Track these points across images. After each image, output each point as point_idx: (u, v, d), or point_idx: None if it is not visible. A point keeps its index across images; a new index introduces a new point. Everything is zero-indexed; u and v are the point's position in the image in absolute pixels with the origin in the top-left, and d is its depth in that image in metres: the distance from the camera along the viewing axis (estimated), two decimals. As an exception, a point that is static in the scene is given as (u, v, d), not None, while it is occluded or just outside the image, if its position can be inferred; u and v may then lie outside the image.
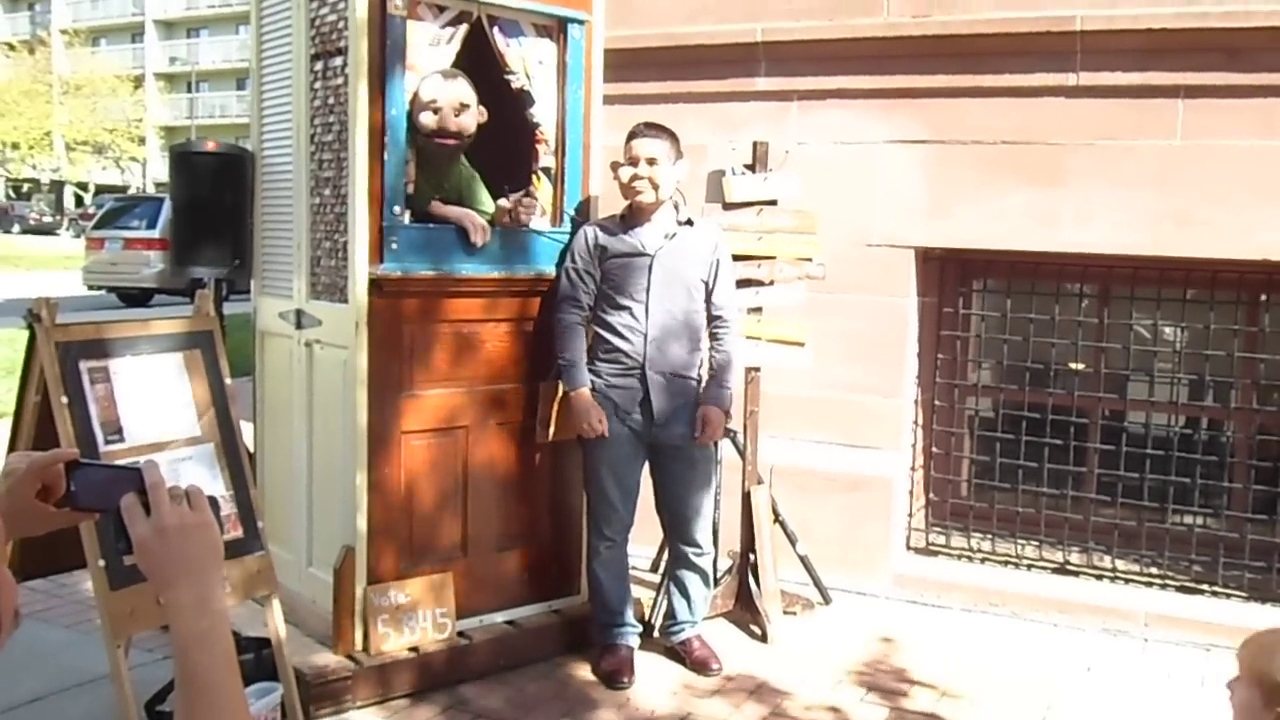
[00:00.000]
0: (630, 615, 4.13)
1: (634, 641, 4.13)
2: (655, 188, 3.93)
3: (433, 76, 3.84)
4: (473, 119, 3.91)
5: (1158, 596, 4.75)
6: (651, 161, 3.91)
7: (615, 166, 4.01)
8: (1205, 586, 4.77)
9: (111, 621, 2.92)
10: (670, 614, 4.25)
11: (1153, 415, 5.07)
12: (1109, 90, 4.63)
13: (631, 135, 3.98)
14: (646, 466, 4.13)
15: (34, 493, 1.44)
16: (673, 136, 4.00)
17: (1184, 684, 4.12)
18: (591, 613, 4.17)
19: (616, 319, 3.96)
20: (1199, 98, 4.51)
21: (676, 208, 4.06)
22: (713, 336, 4.11)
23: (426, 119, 3.83)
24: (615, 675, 3.97)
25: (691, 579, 4.20)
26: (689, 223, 4.05)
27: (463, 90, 3.87)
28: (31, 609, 4.41)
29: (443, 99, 3.82)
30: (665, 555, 4.58)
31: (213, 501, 1.36)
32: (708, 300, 4.07)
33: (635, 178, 3.92)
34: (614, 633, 4.08)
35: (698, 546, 4.15)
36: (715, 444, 4.27)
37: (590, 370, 3.98)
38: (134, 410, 3.12)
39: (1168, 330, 5.03)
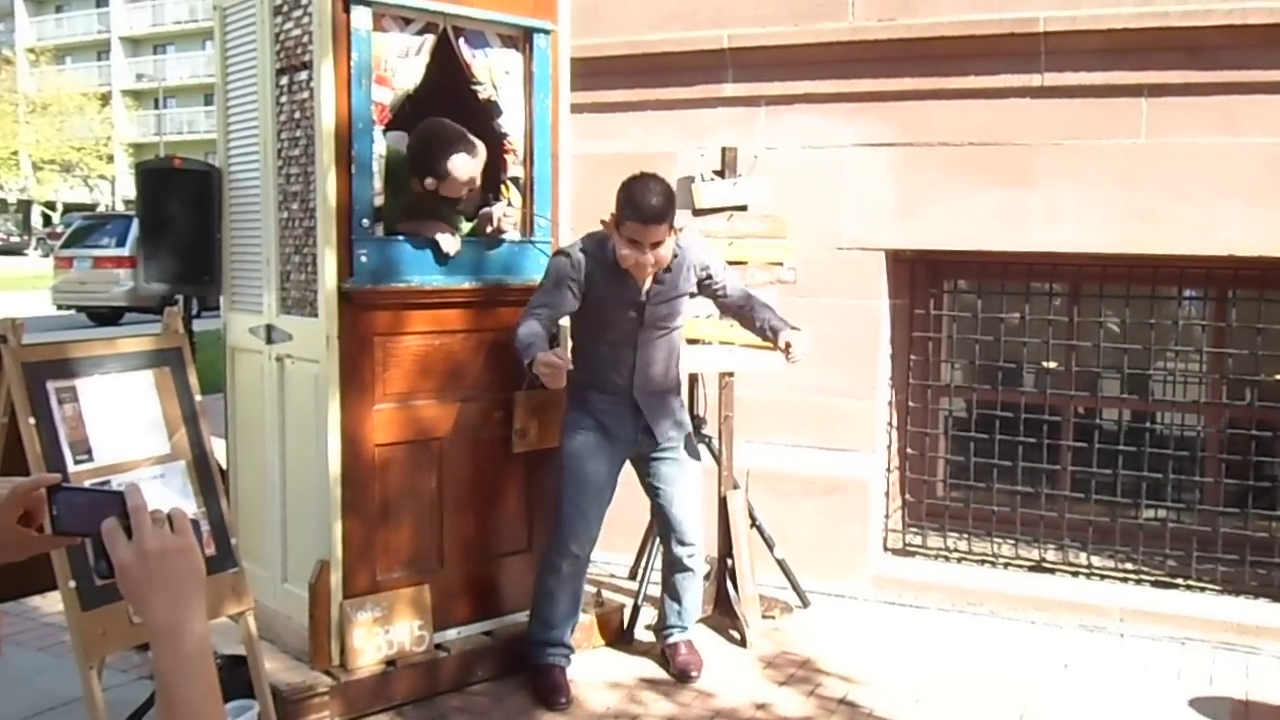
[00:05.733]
0: (570, 638, 4.02)
1: (566, 664, 4.00)
2: (659, 266, 3.81)
3: (458, 157, 3.89)
4: None
5: (1133, 592, 4.78)
6: (656, 245, 3.72)
7: (620, 252, 3.76)
8: (1179, 580, 4.80)
9: (84, 643, 2.88)
10: (662, 619, 4.24)
11: (1124, 411, 5.11)
12: (1074, 90, 4.67)
13: (635, 216, 3.67)
14: (636, 476, 4.10)
15: (15, 519, 1.42)
16: (673, 200, 3.77)
17: (1160, 678, 4.14)
18: (529, 630, 4.02)
19: (603, 353, 3.91)
20: (1162, 96, 4.55)
21: None
22: (743, 307, 4.08)
23: (460, 191, 3.95)
24: (553, 695, 3.87)
25: (688, 584, 4.17)
26: (674, 255, 3.87)
27: (478, 167, 3.99)
28: (3, 632, 4.37)
29: (476, 173, 3.96)
30: (645, 561, 4.60)
31: (194, 524, 1.35)
32: (721, 298, 4.08)
33: (639, 264, 3.74)
34: (550, 653, 3.97)
35: (692, 545, 4.12)
36: (697, 443, 4.29)
37: (579, 397, 3.93)
38: (102, 429, 3.09)
39: (1137, 327, 5.06)
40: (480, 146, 3.97)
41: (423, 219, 3.98)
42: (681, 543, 4.12)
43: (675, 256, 3.87)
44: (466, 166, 3.91)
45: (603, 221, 3.86)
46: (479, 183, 4.03)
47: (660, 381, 3.99)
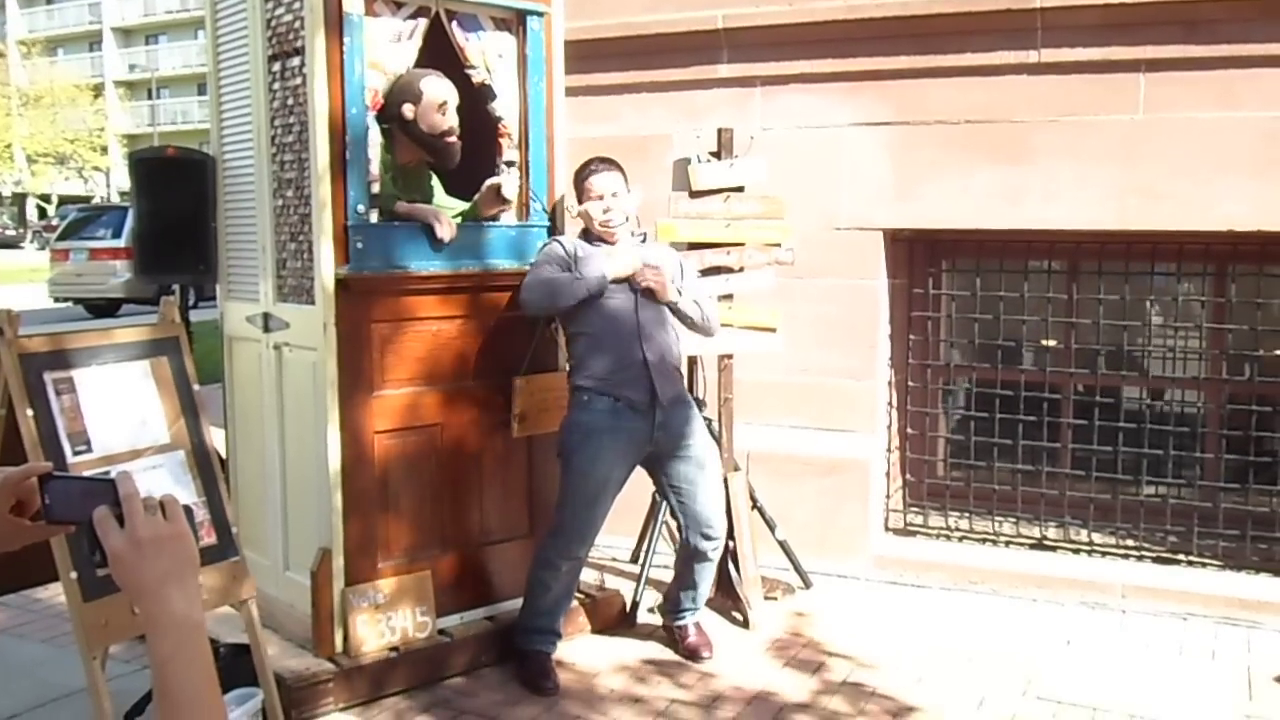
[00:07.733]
0: (559, 625, 4.02)
1: (552, 649, 4.01)
2: (626, 218, 3.97)
3: (430, 78, 3.90)
4: None
5: (1134, 568, 4.79)
6: (614, 195, 3.94)
7: (586, 209, 3.96)
8: (1181, 556, 4.80)
9: (86, 634, 2.88)
10: (675, 603, 4.23)
11: (1124, 388, 5.10)
12: (1071, 66, 4.65)
13: (588, 174, 3.97)
14: (650, 477, 4.11)
15: (8, 508, 1.41)
16: (621, 167, 4.01)
17: (1162, 653, 4.15)
18: (520, 618, 4.01)
19: (605, 307, 3.87)
20: (1160, 71, 4.52)
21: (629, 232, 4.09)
22: None
23: (439, 120, 3.92)
24: (542, 680, 3.87)
25: (705, 572, 4.17)
26: (644, 237, 4.12)
27: (452, 86, 3.98)
28: (5, 625, 4.37)
29: (451, 99, 3.93)
30: (648, 545, 4.61)
31: (187, 511, 1.34)
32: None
33: (608, 211, 3.92)
34: (538, 639, 3.97)
35: (717, 540, 4.11)
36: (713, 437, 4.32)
37: (591, 378, 3.87)
38: (101, 420, 3.08)
39: (1137, 304, 5.05)
40: (452, 85, 3.96)
41: (417, 204, 3.97)
42: (707, 536, 4.08)
43: (644, 239, 4.08)
44: (440, 88, 3.91)
45: (568, 208, 4.10)
46: (458, 128, 3.98)
47: (664, 348, 3.95)
